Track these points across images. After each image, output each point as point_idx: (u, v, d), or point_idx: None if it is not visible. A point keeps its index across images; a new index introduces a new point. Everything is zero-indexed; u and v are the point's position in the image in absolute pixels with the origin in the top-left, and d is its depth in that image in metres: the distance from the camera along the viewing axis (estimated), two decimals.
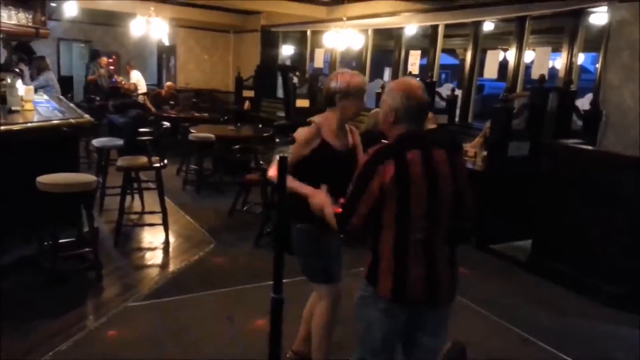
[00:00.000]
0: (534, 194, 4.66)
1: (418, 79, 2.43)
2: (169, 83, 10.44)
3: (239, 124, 7.88)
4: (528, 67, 7.21)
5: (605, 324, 3.74)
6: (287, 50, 12.03)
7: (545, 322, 3.70)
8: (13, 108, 4.49)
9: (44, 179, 3.66)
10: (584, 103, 6.07)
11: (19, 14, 5.14)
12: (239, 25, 11.96)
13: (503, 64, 7.41)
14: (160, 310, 3.58)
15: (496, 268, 4.75)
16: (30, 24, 5.33)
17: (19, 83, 4.71)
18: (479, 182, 5.10)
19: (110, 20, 11.76)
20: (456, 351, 1.53)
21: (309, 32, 10.62)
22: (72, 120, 4.40)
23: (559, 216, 4.41)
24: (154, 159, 4.70)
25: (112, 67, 11.69)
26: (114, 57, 12.58)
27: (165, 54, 12.91)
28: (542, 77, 5.04)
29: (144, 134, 5.04)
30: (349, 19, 8.76)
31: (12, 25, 5.09)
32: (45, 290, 3.67)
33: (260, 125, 7.76)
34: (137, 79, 10.10)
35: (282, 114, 9.44)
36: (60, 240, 3.88)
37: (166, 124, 4.97)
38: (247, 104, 10.66)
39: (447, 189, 1.94)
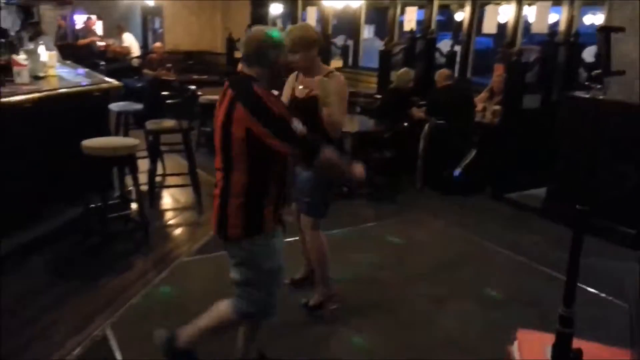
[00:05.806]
0: (549, 144, 4.92)
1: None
2: (158, 44, 9.77)
3: None
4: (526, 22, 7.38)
5: (621, 262, 4.05)
6: (276, 9, 11.82)
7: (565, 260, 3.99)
8: (38, 74, 4.48)
9: (90, 142, 3.72)
10: (585, 57, 6.29)
11: None
12: None
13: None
14: (215, 264, 3.76)
15: (512, 214, 5.06)
16: None
17: (41, 49, 4.66)
18: (492, 135, 5.35)
19: None
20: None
21: None
22: (103, 85, 4.43)
23: (573, 164, 4.68)
24: (183, 122, 4.78)
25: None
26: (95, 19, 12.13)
27: (150, 16, 12.58)
28: (553, 31, 5.24)
29: (169, 97, 5.08)
30: None
31: None
32: (100, 250, 3.80)
33: None
34: (130, 42, 9.85)
35: None
36: None
37: (192, 87, 5.02)
38: (241, 65, 10.56)
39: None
